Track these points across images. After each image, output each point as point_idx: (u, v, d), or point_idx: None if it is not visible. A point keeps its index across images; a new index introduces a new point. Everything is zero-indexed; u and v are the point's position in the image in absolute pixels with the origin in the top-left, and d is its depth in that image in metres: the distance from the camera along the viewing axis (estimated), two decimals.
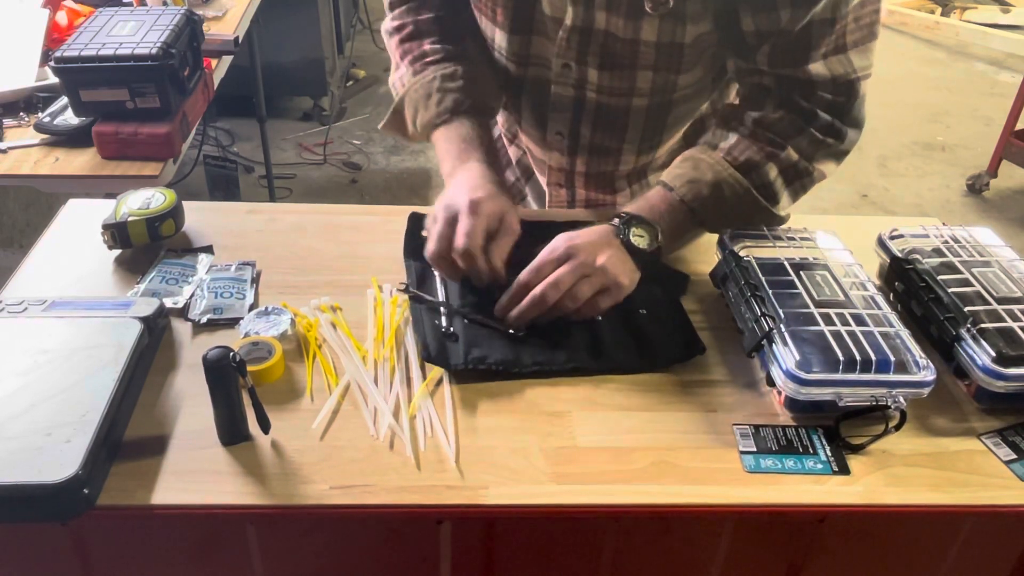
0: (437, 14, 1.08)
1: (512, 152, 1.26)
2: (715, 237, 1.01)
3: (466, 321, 0.89)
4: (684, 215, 0.95)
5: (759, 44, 0.91)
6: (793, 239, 0.97)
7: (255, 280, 0.96)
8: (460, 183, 0.93)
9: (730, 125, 0.97)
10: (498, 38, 1.05)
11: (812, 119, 0.94)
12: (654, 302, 0.94)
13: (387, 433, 0.77)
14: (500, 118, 1.22)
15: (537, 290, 0.86)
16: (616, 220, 0.93)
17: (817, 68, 0.91)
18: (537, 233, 0.93)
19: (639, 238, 0.91)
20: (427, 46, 1.06)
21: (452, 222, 0.89)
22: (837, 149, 0.97)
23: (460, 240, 0.87)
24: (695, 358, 0.88)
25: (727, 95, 1.12)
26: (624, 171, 1.14)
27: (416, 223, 1.03)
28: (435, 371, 0.85)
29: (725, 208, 0.95)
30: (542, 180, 1.21)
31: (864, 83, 0.94)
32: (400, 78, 1.08)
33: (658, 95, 1.01)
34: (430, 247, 0.90)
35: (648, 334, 0.90)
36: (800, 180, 0.97)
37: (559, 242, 0.89)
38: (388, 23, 1.11)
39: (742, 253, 0.94)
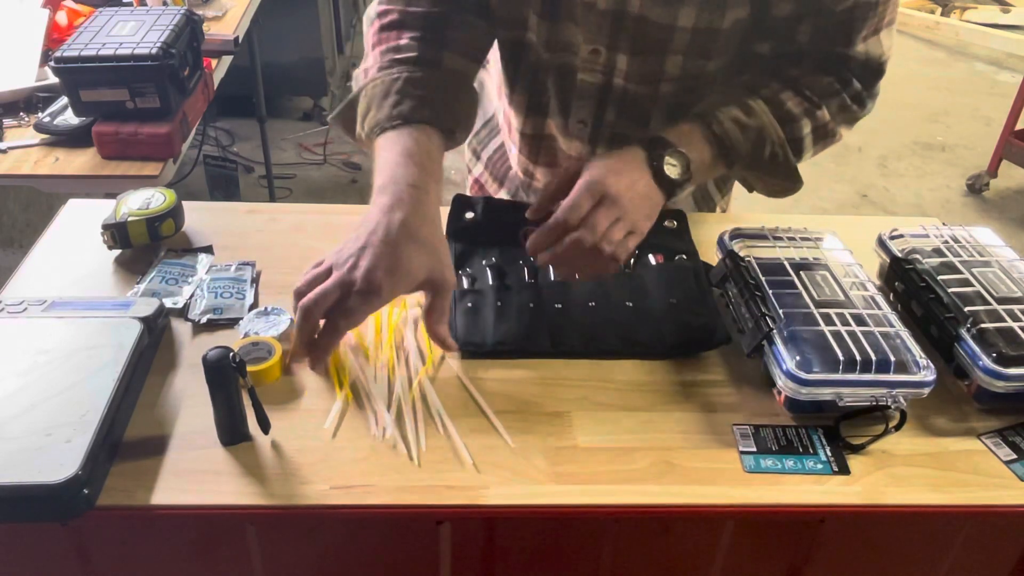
0: (429, 10, 0.96)
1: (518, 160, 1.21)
2: (715, 236, 1.01)
3: (499, 304, 0.91)
4: (718, 153, 0.93)
5: (797, 24, 0.93)
6: (793, 239, 0.97)
7: (255, 280, 0.96)
8: (376, 226, 0.80)
9: (771, 74, 0.97)
10: (531, 19, 1.01)
11: (847, 85, 0.96)
12: (685, 291, 0.95)
13: (387, 433, 0.77)
14: (525, 122, 1.14)
15: (576, 233, 0.84)
16: (647, 143, 0.91)
17: (855, 51, 0.94)
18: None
19: (671, 167, 0.90)
20: (404, 40, 0.95)
21: (341, 275, 0.78)
22: (857, 116, 1.00)
23: (329, 320, 0.77)
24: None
25: None
26: None
27: (459, 205, 1.04)
28: (432, 360, 0.85)
29: (757, 154, 0.95)
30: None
31: (888, 64, 0.98)
32: (365, 70, 0.96)
33: (688, 80, 1.00)
34: (300, 287, 0.79)
35: (676, 322, 0.91)
36: (824, 141, 0.99)
37: (596, 177, 0.86)
38: (373, 8, 0.99)
39: (742, 253, 0.94)
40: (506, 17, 1.02)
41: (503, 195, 1.30)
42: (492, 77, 1.21)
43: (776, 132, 0.94)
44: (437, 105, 0.91)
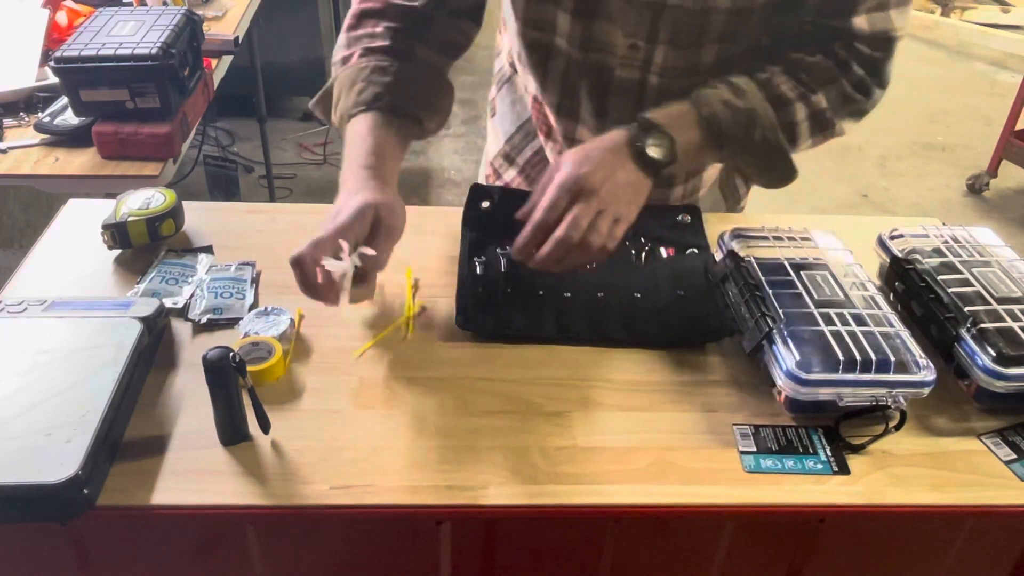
0: (412, 5, 0.99)
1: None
2: (715, 236, 1.01)
3: (508, 290, 0.93)
4: (707, 136, 0.93)
5: None
6: (793, 239, 0.97)
7: (255, 280, 0.96)
8: (343, 205, 0.86)
9: (766, 59, 0.97)
10: (560, 22, 0.99)
11: (847, 70, 0.95)
12: (694, 284, 0.95)
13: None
14: (556, 123, 1.12)
15: (559, 233, 0.84)
16: (634, 125, 0.91)
17: (859, 21, 0.93)
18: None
19: (655, 148, 0.90)
20: (380, 29, 0.98)
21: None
22: (861, 107, 0.98)
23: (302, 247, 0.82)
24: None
25: None
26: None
27: (475, 194, 1.06)
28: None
29: (747, 137, 0.94)
30: None
31: (899, 43, 0.96)
32: (343, 58, 1.00)
33: (720, 70, 0.99)
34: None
35: (682, 313, 0.92)
36: (823, 132, 0.98)
37: (569, 173, 0.85)
38: None
39: (742, 253, 0.94)
40: (534, 18, 1.02)
41: None
42: (526, 80, 1.18)
43: (768, 115, 0.93)
44: (401, 93, 0.94)
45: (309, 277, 0.81)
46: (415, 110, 0.96)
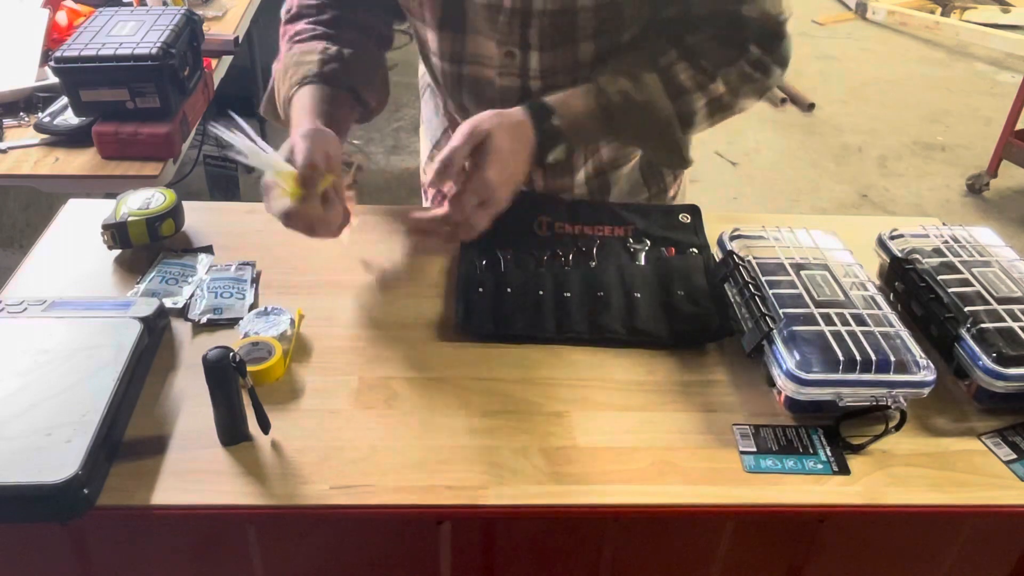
0: (323, 1, 1.05)
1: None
2: (715, 236, 1.01)
3: (508, 290, 0.93)
4: (602, 124, 0.96)
5: None
6: (793, 239, 0.97)
7: (255, 280, 0.96)
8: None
9: (670, 42, 0.97)
10: (430, 39, 1.02)
11: (744, 51, 0.96)
12: (694, 284, 0.95)
13: None
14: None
15: (445, 211, 0.90)
16: (537, 123, 0.94)
17: (749, 9, 0.94)
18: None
19: (555, 156, 0.95)
20: (301, 26, 1.04)
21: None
22: (762, 84, 0.99)
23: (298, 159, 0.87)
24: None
25: None
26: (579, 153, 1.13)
27: None
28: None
29: (643, 125, 0.96)
30: None
31: (788, 24, 0.97)
32: (276, 60, 1.06)
33: (604, 63, 1.00)
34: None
35: (682, 312, 0.92)
36: (722, 114, 0.99)
37: (489, 185, 0.89)
38: (282, 9, 1.10)
39: (742, 253, 0.94)
40: (412, 33, 1.06)
41: None
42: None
43: (665, 108, 0.95)
44: (330, 67, 0.99)
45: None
46: (349, 81, 1.00)
